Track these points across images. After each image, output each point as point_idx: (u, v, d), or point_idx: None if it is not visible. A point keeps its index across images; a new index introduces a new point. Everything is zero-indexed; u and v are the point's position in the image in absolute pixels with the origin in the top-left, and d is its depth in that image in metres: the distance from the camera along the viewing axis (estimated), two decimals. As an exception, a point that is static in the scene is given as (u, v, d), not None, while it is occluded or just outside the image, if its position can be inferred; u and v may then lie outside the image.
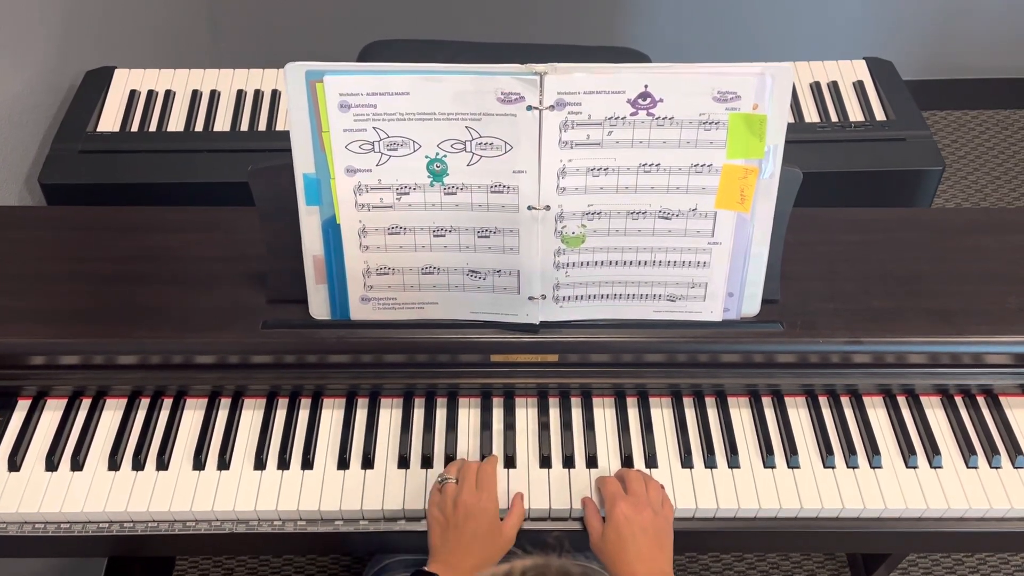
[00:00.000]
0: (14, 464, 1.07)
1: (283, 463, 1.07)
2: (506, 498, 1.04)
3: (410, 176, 0.99)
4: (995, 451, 1.09)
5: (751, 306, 1.09)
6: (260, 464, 1.07)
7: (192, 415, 1.12)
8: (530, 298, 1.06)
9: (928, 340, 1.10)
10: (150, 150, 1.41)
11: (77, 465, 1.07)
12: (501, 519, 1.00)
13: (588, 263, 1.05)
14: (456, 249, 1.04)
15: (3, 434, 1.10)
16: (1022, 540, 1.09)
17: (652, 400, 1.14)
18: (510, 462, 1.08)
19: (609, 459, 1.09)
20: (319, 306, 1.09)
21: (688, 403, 1.14)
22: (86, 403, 1.13)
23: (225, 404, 1.13)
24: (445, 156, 0.98)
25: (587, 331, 1.09)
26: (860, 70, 1.58)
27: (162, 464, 1.07)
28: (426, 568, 0.94)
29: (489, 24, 2.30)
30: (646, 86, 0.94)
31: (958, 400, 1.15)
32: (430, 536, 0.99)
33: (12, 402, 1.12)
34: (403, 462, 1.08)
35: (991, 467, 1.09)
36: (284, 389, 1.13)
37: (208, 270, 1.14)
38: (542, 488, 1.06)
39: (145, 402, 1.13)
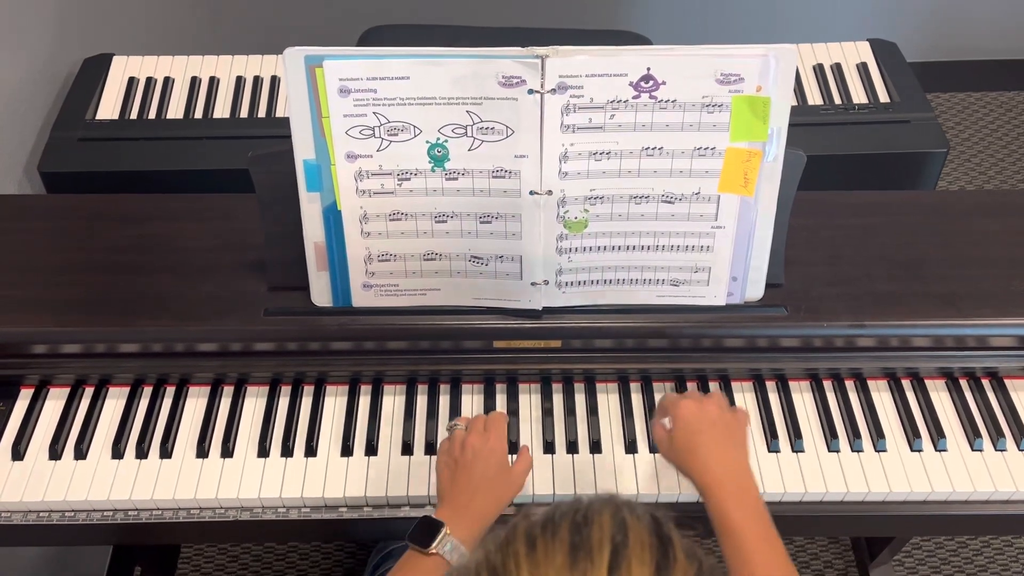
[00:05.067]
0: (18, 453, 1.07)
1: (286, 450, 1.07)
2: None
3: (411, 161, 0.99)
4: (1000, 434, 1.09)
5: (755, 290, 1.09)
6: (263, 451, 1.07)
7: (195, 403, 1.12)
8: (533, 284, 1.06)
9: (932, 323, 1.09)
10: (149, 137, 1.40)
11: (81, 454, 1.07)
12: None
13: (591, 248, 1.04)
14: (458, 235, 1.03)
15: (6, 423, 1.10)
16: (1027, 523, 1.09)
17: (656, 385, 1.14)
18: (513, 448, 1.08)
19: (613, 444, 1.09)
20: (321, 293, 1.08)
21: (692, 388, 1.13)
22: (89, 392, 1.13)
23: (228, 392, 1.13)
24: (446, 141, 0.97)
25: (590, 316, 1.09)
26: (864, 52, 1.57)
27: (166, 452, 1.07)
28: (434, 515, 0.91)
29: (490, 8, 2.29)
30: (648, 69, 0.93)
31: (963, 383, 1.14)
32: (439, 482, 0.97)
33: (15, 391, 1.12)
34: (407, 448, 1.08)
35: (996, 450, 1.08)
36: (287, 376, 1.13)
37: (209, 257, 1.13)
38: (546, 474, 1.06)
39: (148, 390, 1.13)
